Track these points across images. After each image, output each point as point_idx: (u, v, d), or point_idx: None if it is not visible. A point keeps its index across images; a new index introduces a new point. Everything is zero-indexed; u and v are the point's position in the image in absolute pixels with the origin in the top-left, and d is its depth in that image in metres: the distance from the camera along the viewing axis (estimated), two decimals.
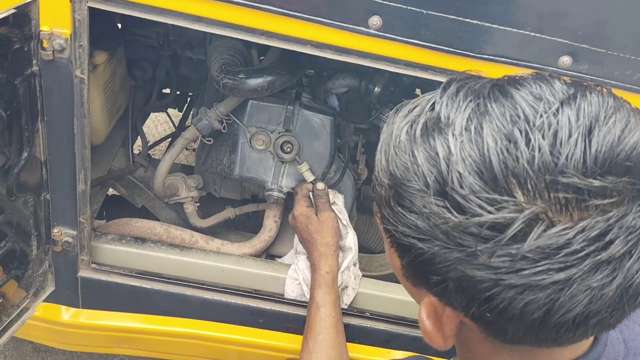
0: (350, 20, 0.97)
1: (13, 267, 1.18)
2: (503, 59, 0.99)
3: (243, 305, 1.34)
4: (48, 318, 1.35)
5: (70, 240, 1.25)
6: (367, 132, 1.61)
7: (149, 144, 1.88)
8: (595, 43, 0.97)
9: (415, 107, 0.57)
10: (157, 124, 3.05)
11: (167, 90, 1.87)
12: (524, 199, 0.48)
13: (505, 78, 0.55)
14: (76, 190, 1.18)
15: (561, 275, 0.48)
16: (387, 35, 0.98)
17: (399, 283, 0.65)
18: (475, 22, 0.96)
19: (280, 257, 1.51)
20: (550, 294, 0.48)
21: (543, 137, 0.48)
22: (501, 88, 0.53)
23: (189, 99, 2.00)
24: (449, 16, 0.95)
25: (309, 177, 1.41)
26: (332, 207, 1.37)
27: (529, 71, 0.57)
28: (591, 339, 0.63)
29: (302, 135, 1.42)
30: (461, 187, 0.49)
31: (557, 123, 0.49)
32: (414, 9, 0.95)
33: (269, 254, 1.55)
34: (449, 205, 0.50)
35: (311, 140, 1.43)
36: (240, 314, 1.35)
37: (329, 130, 1.43)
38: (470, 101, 0.52)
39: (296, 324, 1.33)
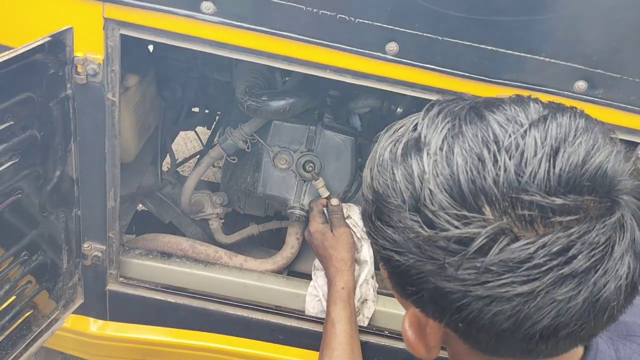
0: (368, 46, 1.00)
1: (44, 279, 1.23)
2: (518, 84, 1.01)
3: (264, 321, 1.36)
4: (76, 329, 1.39)
5: (99, 254, 1.29)
6: None
7: (178, 161, 1.94)
8: (611, 68, 0.98)
9: (401, 127, 0.60)
10: (186, 141, 3.12)
11: (196, 109, 1.93)
12: (492, 215, 0.50)
13: (482, 100, 0.58)
14: (106, 207, 1.23)
15: (525, 288, 0.50)
16: (403, 60, 1.00)
17: None
18: (490, 48, 0.98)
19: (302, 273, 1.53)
20: (516, 305, 0.50)
21: (510, 157, 0.51)
22: (477, 110, 0.56)
23: (217, 117, 2.05)
24: (464, 42, 0.97)
25: (324, 192, 1.44)
26: (347, 220, 1.39)
27: (514, 92, 0.59)
28: (580, 353, 0.64)
29: (323, 155, 1.45)
30: (432, 203, 0.52)
31: (525, 144, 0.51)
32: (429, 35, 0.97)
33: (291, 270, 1.57)
34: (420, 220, 0.53)
35: (332, 159, 1.46)
36: (261, 330, 1.38)
37: (350, 150, 1.45)
38: (447, 122, 0.55)
39: (316, 341, 1.34)
